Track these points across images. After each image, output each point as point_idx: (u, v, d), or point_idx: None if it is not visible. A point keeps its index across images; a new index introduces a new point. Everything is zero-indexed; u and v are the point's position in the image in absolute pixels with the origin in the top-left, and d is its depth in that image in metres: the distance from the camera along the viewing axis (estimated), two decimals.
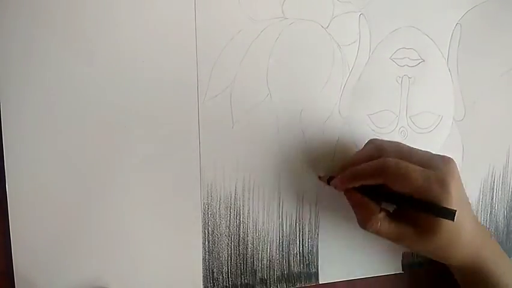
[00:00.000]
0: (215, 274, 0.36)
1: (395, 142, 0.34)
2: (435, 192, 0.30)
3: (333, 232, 0.38)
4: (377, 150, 0.33)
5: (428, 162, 0.31)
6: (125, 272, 0.33)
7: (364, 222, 0.32)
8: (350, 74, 0.37)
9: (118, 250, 0.33)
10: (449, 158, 0.32)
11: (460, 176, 0.32)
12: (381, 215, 0.32)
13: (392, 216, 0.33)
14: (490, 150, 0.43)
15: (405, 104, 0.39)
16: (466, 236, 0.32)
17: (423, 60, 0.39)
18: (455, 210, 0.29)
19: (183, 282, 0.35)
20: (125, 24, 0.32)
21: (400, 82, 0.38)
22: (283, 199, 0.37)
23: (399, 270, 0.41)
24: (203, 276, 0.35)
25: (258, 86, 0.35)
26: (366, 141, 0.36)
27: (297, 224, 0.37)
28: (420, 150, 0.33)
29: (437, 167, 0.31)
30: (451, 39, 0.39)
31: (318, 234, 0.38)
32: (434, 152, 0.33)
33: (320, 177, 0.37)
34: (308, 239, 0.38)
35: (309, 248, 0.38)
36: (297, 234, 0.37)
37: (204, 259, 0.35)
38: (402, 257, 0.41)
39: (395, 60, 0.38)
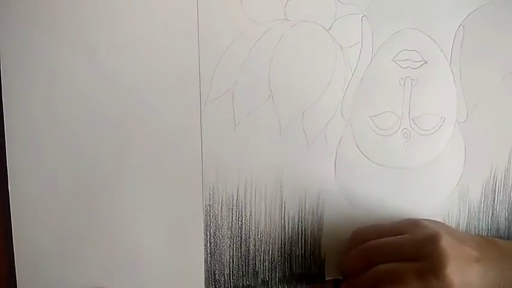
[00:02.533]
0: (217, 276, 0.36)
1: (376, 231, 0.35)
2: (434, 286, 0.30)
3: (336, 234, 0.38)
4: (364, 255, 0.34)
5: (417, 253, 0.31)
6: (126, 273, 0.33)
7: None
8: (352, 75, 0.37)
9: (119, 252, 0.33)
10: (434, 236, 0.32)
11: (451, 244, 0.31)
12: None
13: None
14: (492, 152, 0.42)
15: (408, 106, 0.39)
16: (475, 286, 0.32)
17: (426, 62, 0.39)
18: None
19: (185, 284, 0.35)
20: (126, 25, 0.31)
21: (403, 84, 0.38)
22: (285, 201, 0.37)
23: None
24: (205, 277, 0.35)
25: (260, 87, 0.35)
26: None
27: (300, 225, 0.37)
28: (405, 237, 0.34)
29: (427, 256, 0.31)
30: (453, 41, 0.39)
31: (320, 236, 0.38)
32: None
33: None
34: (310, 240, 0.38)
35: (312, 250, 0.38)
36: (300, 236, 0.37)
37: (205, 261, 0.35)
38: None
39: (397, 62, 0.38)
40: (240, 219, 0.36)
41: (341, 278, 0.38)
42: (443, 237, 0.32)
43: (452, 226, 0.42)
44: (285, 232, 0.37)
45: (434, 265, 0.30)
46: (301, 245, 0.38)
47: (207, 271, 0.35)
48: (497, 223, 0.44)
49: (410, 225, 0.35)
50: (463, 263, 0.31)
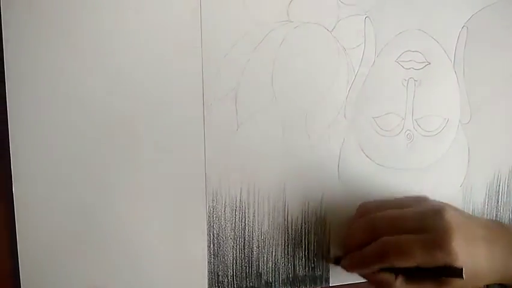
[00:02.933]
0: (220, 277, 0.36)
1: (383, 205, 0.35)
2: (440, 258, 0.30)
3: (340, 235, 0.38)
4: (369, 227, 0.33)
5: (422, 226, 0.31)
6: (130, 274, 0.33)
7: None
8: (355, 77, 0.37)
9: (122, 253, 0.33)
10: (440, 209, 0.31)
11: (457, 219, 0.31)
12: (398, 282, 0.32)
13: (408, 278, 0.32)
14: (495, 154, 0.42)
15: (411, 107, 0.39)
16: (484, 266, 0.31)
17: (429, 63, 0.39)
18: (461, 269, 0.29)
19: (188, 285, 0.35)
20: (130, 26, 0.32)
21: (406, 85, 0.38)
22: (288, 202, 0.37)
23: None
24: (208, 279, 0.35)
25: (263, 89, 0.35)
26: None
27: (303, 227, 0.37)
28: (409, 206, 0.33)
29: (432, 228, 0.30)
30: (457, 41, 0.39)
31: (324, 237, 0.38)
32: (428, 201, 0.34)
33: (327, 260, 0.37)
34: (314, 242, 0.38)
35: (315, 251, 0.38)
36: (303, 238, 0.37)
37: (209, 262, 0.35)
38: None
39: (400, 63, 0.38)
40: (243, 221, 0.36)
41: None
42: (449, 211, 0.31)
43: None
44: (288, 233, 0.37)
45: (440, 237, 0.30)
46: (305, 247, 0.37)
47: (210, 272, 0.35)
48: None
49: (416, 200, 0.35)
50: (469, 239, 0.31)
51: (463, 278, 0.29)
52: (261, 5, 0.34)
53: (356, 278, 0.39)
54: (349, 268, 0.34)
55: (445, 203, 0.34)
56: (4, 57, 0.30)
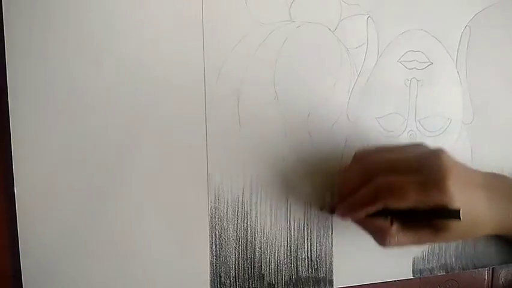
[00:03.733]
0: (222, 278, 0.35)
1: (379, 150, 0.34)
2: (436, 198, 0.29)
3: (342, 236, 0.38)
4: (364, 170, 0.32)
5: (418, 167, 0.30)
6: (132, 275, 0.33)
7: (381, 241, 0.32)
8: (358, 77, 0.37)
9: (124, 253, 0.33)
10: (436, 151, 0.30)
11: (454, 161, 0.30)
12: (394, 228, 0.31)
13: (404, 224, 0.32)
14: (498, 154, 0.42)
15: (414, 107, 0.39)
16: (482, 214, 0.31)
17: (432, 63, 0.39)
18: (459, 210, 0.28)
19: (190, 286, 0.34)
20: (132, 27, 0.32)
21: (408, 85, 0.38)
22: (291, 203, 0.36)
23: (409, 275, 0.40)
24: (210, 280, 0.35)
25: (265, 89, 0.35)
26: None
27: (305, 228, 0.37)
28: (406, 150, 0.32)
29: (428, 169, 0.29)
30: (459, 41, 0.39)
31: (326, 239, 0.37)
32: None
33: (321, 209, 0.37)
34: (317, 243, 0.37)
35: (318, 253, 0.37)
36: (305, 239, 0.37)
37: (211, 263, 0.35)
38: (413, 262, 0.40)
39: (403, 63, 0.38)
40: (245, 221, 0.35)
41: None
42: (446, 153, 0.30)
43: None
44: (290, 234, 0.37)
45: (435, 176, 0.29)
46: (308, 248, 0.37)
47: (212, 273, 0.35)
48: None
49: (413, 145, 0.33)
50: (466, 183, 0.30)
51: (459, 219, 0.28)
52: (263, 5, 0.34)
53: (360, 280, 0.38)
54: (343, 214, 0.33)
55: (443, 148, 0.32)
56: (6, 55, 0.30)
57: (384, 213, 0.31)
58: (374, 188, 0.30)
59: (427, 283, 0.41)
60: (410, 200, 0.29)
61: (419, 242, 0.32)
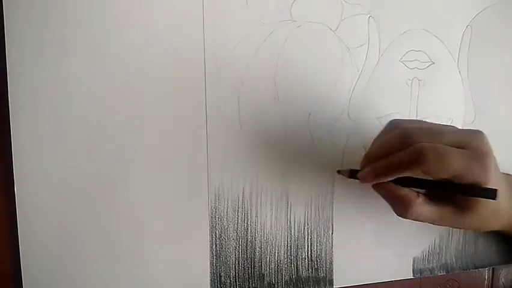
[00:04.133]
0: (222, 278, 0.35)
1: (418, 122, 0.33)
2: (476, 174, 0.29)
3: (342, 236, 0.38)
4: (404, 136, 0.30)
5: (461, 141, 0.30)
6: (132, 275, 0.33)
7: (403, 211, 0.31)
8: (359, 76, 0.37)
9: (124, 253, 0.33)
10: (479, 131, 0.31)
11: (491, 147, 0.30)
12: (419, 200, 0.30)
13: (429, 198, 0.31)
14: (500, 154, 0.42)
15: (415, 107, 0.38)
16: (504, 206, 0.31)
17: (434, 63, 0.38)
18: (496, 190, 0.28)
19: (190, 286, 0.34)
20: (133, 28, 0.32)
21: (410, 85, 0.38)
22: (291, 202, 0.36)
23: (409, 275, 0.40)
24: (210, 280, 0.35)
25: (266, 88, 0.35)
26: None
27: (306, 227, 0.37)
28: (448, 127, 0.31)
29: (471, 145, 0.29)
30: (461, 41, 0.39)
31: (326, 238, 0.37)
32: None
33: (338, 171, 0.35)
34: (317, 243, 0.37)
35: (318, 252, 0.37)
36: (306, 238, 0.37)
37: (211, 263, 0.35)
38: (413, 262, 0.40)
39: (404, 62, 0.38)
40: (245, 221, 0.35)
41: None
42: (487, 137, 0.30)
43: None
44: (291, 234, 0.37)
45: (479, 153, 0.29)
46: (308, 248, 0.37)
47: (212, 273, 0.35)
48: None
49: (453, 126, 0.32)
50: (498, 169, 0.30)
51: (495, 199, 0.28)
52: (264, 5, 0.34)
53: (360, 280, 0.38)
54: (370, 176, 0.31)
55: None
56: (6, 57, 0.30)
57: (408, 183, 0.31)
58: (417, 152, 0.29)
59: (427, 283, 0.41)
60: (451, 169, 0.28)
61: (441, 219, 0.31)
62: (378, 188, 0.32)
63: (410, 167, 0.29)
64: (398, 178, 0.31)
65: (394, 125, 0.32)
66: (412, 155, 0.29)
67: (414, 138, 0.30)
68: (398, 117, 0.38)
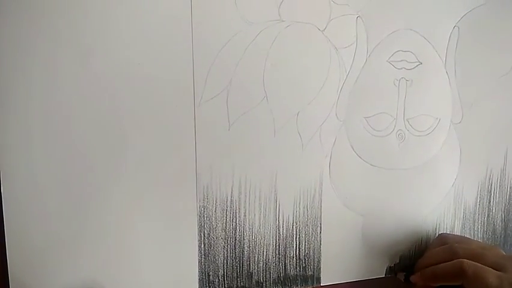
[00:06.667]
0: (211, 277, 0.35)
1: (465, 240, 0.38)
2: None
3: (330, 235, 0.38)
4: (450, 252, 0.36)
5: (502, 264, 0.34)
6: (120, 274, 0.33)
7: None
8: (347, 76, 0.37)
9: (113, 252, 0.33)
10: None
11: None
12: None
13: None
14: (487, 153, 0.42)
15: (403, 107, 0.39)
16: None
17: (421, 63, 0.39)
18: None
19: (179, 285, 0.35)
20: (121, 26, 0.31)
21: (397, 85, 0.38)
22: (279, 202, 0.37)
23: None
24: (199, 279, 0.35)
25: (255, 88, 0.35)
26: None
27: (294, 226, 0.37)
28: (492, 251, 0.36)
29: (508, 269, 0.33)
30: (448, 41, 0.39)
31: (314, 237, 0.38)
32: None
33: (396, 274, 0.40)
34: (305, 242, 0.38)
35: (306, 251, 0.38)
36: (294, 237, 0.37)
37: (199, 262, 0.35)
38: (400, 259, 0.41)
39: (392, 62, 0.38)
40: (234, 220, 0.36)
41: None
42: None
43: (447, 228, 0.42)
44: (279, 233, 0.37)
45: None
46: (296, 246, 0.37)
47: (200, 272, 0.35)
48: (494, 224, 0.44)
49: (497, 249, 0.37)
50: None
51: None
52: (253, 4, 0.34)
53: (347, 278, 0.39)
54: (420, 280, 0.37)
55: None
56: None
57: None
58: (459, 266, 0.34)
59: None
60: (488, 286, 0.32)
61: None
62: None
63: (452, 279, 0.35)
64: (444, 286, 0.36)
65: (444, 240, 0.39)
66: (454, 269, 0.34)
67: (459, 254, 0.35)
68: (385, 117, 0.38)
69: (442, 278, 0.35)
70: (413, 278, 0.38)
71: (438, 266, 0.36)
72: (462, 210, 0.42)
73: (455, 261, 0.35)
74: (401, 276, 0.40)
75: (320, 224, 0.38)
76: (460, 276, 0.34)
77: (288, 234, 0.37)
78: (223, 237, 0.35)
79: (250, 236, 0.36)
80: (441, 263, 0.35)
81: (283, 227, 0.37)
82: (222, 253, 0.36)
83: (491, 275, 0.33)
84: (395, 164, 0.39)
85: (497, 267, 0.33)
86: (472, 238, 0.43)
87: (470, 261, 0.34)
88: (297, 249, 0.37)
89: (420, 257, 0.39)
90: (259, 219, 0.36)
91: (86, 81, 0.31)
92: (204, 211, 0.35)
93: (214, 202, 0.35)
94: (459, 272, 0.34)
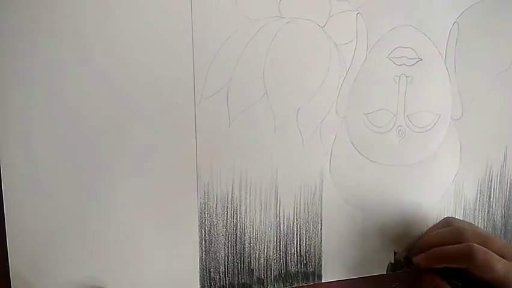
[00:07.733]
0: (212, 274, 0.36)
1: (472, 226, 0.37)
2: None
3: (331, 231, 0.38)
4: (458, 233, 0.35)
5: (506, 252, 0.33)
6: (122, 272, 0.33)
7: None
8: (347, 73, 0.37)
9: (114, 250, 0.33)
10: None
11: None
12: None
13: None
14: (487, 149, 0.43)
15: (403, 103, 0.39)
16: None
17: (421, 59, 0.39)
18: None
19: (180, 282, 0.35)
20: (121, 23, 0.31)
21: (397, 81, 0.38)
22: (280, 198, 0.37)
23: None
24: (200, 276, 0.35)
25: (255, 85, 0.35)
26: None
27: (295, 223, 0.37)
28: (498, 239, 0.35)
29: None
30: (448, 38, 0.39)
31: (315, 234, 0.38)
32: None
33: (395, 253, 0.40)
34: (306, 238, 0.38)
35: (307, 248, 0.38)
36: (295, 234, 0.37)
37: (200, 259, 0.35)
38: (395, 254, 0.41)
39: (392, 59, 0.38)
40: (235, 217, 0.36)
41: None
42: None
43: None
44: (280, 230, 0.37)
45: None
46: (297, 243, 0.37)
47: (202, 269, 0.35)
48: (494, 220, 0.44)
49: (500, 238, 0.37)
50: None
51: None
52: (253, 1, 0.34)
53: (348, 275, 0.39)
54: (424, 262, 0.36)
55: None
56: None
57: (450, 276, 0.35)
58: (468, 250, 0.33)
59: (414, 276, 0.41)
60: (494, 273, 0.32)
61: None
62: (426, 277, 0.36)
63: (458, 261, 0.33)
64: (441, 269, 0.35)
65: (449, 223, 0.38)
66: (463, 251, 0.33)
67: (467, 237, 0.34)
68: (385, 113, 0.38)
69: (449, 260, 0.34)
70: (416, 259, 0.36)
71: (445, 248, 0.34)
72: (462, 206, 0.42)
73: (464, 244, 0.33)
74: (400, 256, 0.39)
75: (321, 220, 0.38)
76: (468, 260, 0.33)
77: (289, 231, 0.37)
78: (224, 234, 0.35)
79: (251, 233, 0.36)
80: (447, 245, 0.34)
81: (284, 223, 0.37)
82: (223, 250, 0.36)
83: (498, 262, 0.32)
84: (395, 160, 0.39)
85: (502, 254, 0.33)
86: None
87: (479, 246, 0.33)
88: (298, 246, 0.38)
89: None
90: (260, 215, 0.36)
91: (87, 78, 0.31)
92: (205, 208, 0.35)
93: (215, 199, 0.35)
94: (468, 256, 0.33)
